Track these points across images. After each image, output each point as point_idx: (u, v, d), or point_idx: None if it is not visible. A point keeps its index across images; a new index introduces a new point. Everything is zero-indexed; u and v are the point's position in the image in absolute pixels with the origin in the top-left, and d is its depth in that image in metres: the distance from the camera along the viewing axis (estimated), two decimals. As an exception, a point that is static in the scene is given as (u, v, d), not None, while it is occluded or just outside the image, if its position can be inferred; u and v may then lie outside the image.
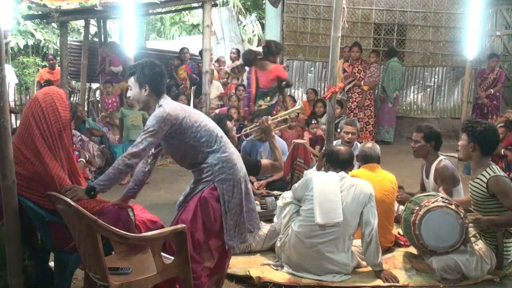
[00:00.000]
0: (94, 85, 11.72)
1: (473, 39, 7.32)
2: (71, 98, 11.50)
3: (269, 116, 4.67)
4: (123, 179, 3.40)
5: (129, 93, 3.35)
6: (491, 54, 10.02)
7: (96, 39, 12.16)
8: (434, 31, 10.86)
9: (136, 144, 3.08)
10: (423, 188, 4.91)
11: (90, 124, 7.79)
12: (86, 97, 10.82)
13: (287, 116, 5.36)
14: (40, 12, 8.69)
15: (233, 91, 9.86)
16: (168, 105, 3.19)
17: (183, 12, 19.24)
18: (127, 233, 2.86)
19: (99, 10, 8.05)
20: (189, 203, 3.23)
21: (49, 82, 9.57)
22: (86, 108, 9.97)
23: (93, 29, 12.80)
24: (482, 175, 3.88)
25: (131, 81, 3.28)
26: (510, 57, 11.15)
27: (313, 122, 7.92)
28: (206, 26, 8.49)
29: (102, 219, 2.75)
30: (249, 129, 5.03)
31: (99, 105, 10.30)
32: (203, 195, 3.17)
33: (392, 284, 3.81)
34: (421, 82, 10.97)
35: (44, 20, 10.36)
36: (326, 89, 7.79)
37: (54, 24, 12.32)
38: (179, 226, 2.94)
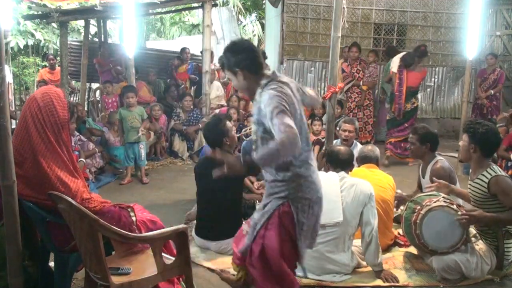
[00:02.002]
0: (94, 85, 11.73)
1: (473, 39, 7.32)
2: (71, 98, 11.51)
3: None
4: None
5: (233, 84, 3.04)
6: (489, 53, 10.02)
7: (96, 39, 12.17)
8: (434, 31, 10.86)
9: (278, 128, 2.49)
10: (420, 188, 4.93)
11: (90, 124, 7.80)
12: (86, 97, 10.82)
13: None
14: (40, 12, 8.68)
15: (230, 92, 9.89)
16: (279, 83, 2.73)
17: (183, 12, 19.23)
18: (128, 233, 2.87)
19: (99, 10, 8.04)
20: (268, 226, 2.80)
21: (44, 82, 9.60)
22: (86, 108, 9.98)
23: (93, 29, 12.80)
24: (483, 175, 3.88)
25: (227, 73, 2.95)
26: (510, 57, 11.15)
27: (317, 122, 7.94)
28: (206, 26, 8.50)
29: (103, 219, 2.76)
30: (249, 129, 5.05)
31: (99, 105, 10.32)
32: (279, 214, 2.78)
33: (392, 284, 3.81)
34: (421, 82, 10.94)
35: (44, 20, 10.35)
36: (326, 89, 7.79)
37: (54, 24, 12.31)
38: (180, 226, 2.94)
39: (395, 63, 8.72)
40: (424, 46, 8.57)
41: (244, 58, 2.79)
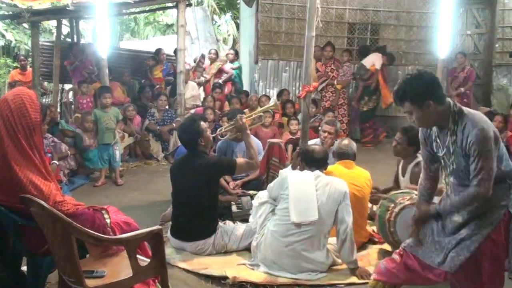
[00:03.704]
0: (67, 86, 11.56)
1: (444, 38, 7.45)
2: (44, 100, 11.33)
3: (244, 114, 4.71)
4: None
5: (410, 119, 2.97)
6: (459, 52, 10.21)
7: (68, 40, 12.00)
8: (407, 30, 10.99)
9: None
10: (397, 183, 5.00)
11: (63, 125, 7.69)
12: (59, 98, 10.66)
13: (261, 114, 5.38)
14: (10, 12, 8.52)
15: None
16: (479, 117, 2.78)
17: (157, 12, 19.12)
18: (102, 235, 2.84)
19: (71, 10, 7.93)
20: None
21: (15, 84, 9.44)
22: (58, 110, 9.83)
23: (65, 29, 12.63)
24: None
25: (407, 106, 2.87)
26: (481, 56, 11.35)
27: (293, 121, 8.00)
28: (180, 26, 8.48)
29: (76, 221, 2.73)
30: (224, 129, 5.06)
31: (72, 106, 10.17)
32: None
33: (367, 280, 3.84)
34: (394, 80, 11.07)
35: (15, 21, 10.16)
36: (301, 88, 7.84)
37: (25, 25, 12.08)
38: (155, 227, 2.93)
39: (377, 61, 9.01)
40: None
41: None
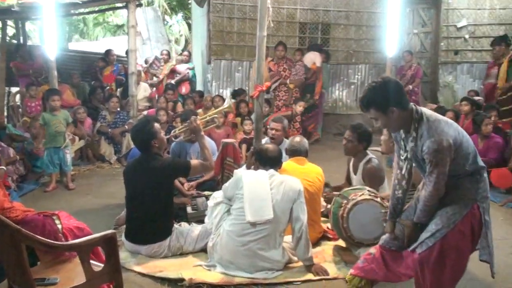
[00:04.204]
0: (14, 89, 11.21)
1: (392, 37, 7.61)
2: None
3: (198, 116, 4.69)
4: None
5: (376, 124, 3.14)
6: (406, 50, 10.49)
7: (14, 41, 11.64)
8: (356, 29, 11.21)
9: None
10: (349, 181, 5.09)
11: (10, 130, 7.46)
12: (6, 102, 10.32)
13: (215, 116, 5.38)
14: (-48, 13, 8.22)
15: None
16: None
17: (106, 12, 18.80)
18: (54, 242, 2.78)
19: (16, 11, 7.70)
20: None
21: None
22: (5, 114, 9.53)
23: (11, 31, 12.24)
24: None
25: (372, 113, 3.06)
26: (427, 54, 11.70)
27: (247, 121, 8.04)
28: (131, 27, 8.37)
29: (26, 228, 2.66)
30: (178, 130, 5.03)
31: (20, 109, 9.87)
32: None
33: (323, 277, 3.90)
34: (345, 79, 11.29)
35: (-43, 22, 9.80)
36: (253, 88, 7.88)
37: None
38: (108, 231, 2.88)
39: (317, 59, 9.25)
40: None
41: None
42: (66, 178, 6.80)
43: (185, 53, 11.51)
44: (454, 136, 2.94)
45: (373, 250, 3.32)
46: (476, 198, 3.01)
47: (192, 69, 10.96)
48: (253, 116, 6.97)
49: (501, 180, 6.23)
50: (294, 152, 4.73)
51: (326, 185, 4.96)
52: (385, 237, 3.33)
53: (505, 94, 8.02)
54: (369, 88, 3.03)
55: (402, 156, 3.18)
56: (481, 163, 3.08)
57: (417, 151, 3.03)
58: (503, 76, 8.12)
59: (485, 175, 3.10)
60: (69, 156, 6.86)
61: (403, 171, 3.24)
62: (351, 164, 5.07)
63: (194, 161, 4.45)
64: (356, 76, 11.30)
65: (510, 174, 6.21)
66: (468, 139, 3.06)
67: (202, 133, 4.63)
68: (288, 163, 4.61)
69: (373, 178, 4.65)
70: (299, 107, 9.25)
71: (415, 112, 3.00)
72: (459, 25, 11.38)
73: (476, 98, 9.14)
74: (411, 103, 3.05)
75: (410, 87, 9.97)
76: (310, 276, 3.92)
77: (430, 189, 2.97)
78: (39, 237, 2.66)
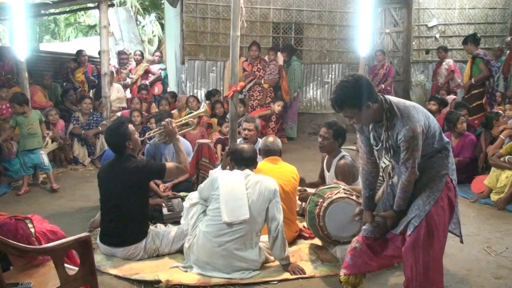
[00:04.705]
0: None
1: (365, 36, 7.69)
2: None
3: (173, 119, 4.67)
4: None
5: (351, 121, 3.19)
6: (378, 49, 10.63)
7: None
8: (329, 29, 11.30)
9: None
10: (322, 178, 5.13)
11: (-21, 133, 7.31)
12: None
13: (191, 119, 5.36)
14: None
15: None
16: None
17: (78, 12, 18.56)
18: (26, 246, 2.74)
19: (-16, 11, 7.57)
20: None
21: None
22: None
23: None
24: (383, 162, 4.12)
25: (346, 111, 3.11)
26: (399, 53, 11.86)
27: (226, 123, 8.03)
28: (103, 27, 8.28)
29: (-3, 232, 2.61)
30: (153, 132, 4.99)
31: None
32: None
33: (299, 276, 3.92)
34: (319, 78, 11.37)
35: None
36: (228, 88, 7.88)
37: None
38: (82, 234, 2.85)
39: (279, 58, 9.78)
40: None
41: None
42: (49, 179, 6.73)
43: (157, 53, 11.47)
44: (424, 120, 3.09)
45: (356, 244, 3.35)
46: (448, 172, 3.17)
47: (164, 69, 10.91)
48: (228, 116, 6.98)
49: (477, 185, 6.38)
50: (267, 152, 4.75)
51: (301, 180, 4.99)
52: (366, 227, 3.40)
53: (468, 93, 8.23)
54: (341, 88, 3.06)
55: (376, 146, 3.26)
56: (446, 138, 3.25)
57: (391, 139, 3.13)
58: (467, 72, 8.38)
59: (450, 148, 3.27)
60: (45, 156, 6.75)
61: (373, 159, 3.37)
62: (325, 161, 5.11)
63: (170, 164, 4.42)
64: (330, 75, 11.39)
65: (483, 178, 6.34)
66: (433, 118, 3.22)
67: (178, 136, 4.60)
68: (263, 163, 4.63)
69: (346, 175, 4.69)
70: (277, 107, 9.27)
71: (384, 102, 3.09)
72: (430, 24, 11.58)
73: (453, 96, 9.34)
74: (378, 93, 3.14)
75: (383, 86, 10.10)
76: (287, 275, 3.93)
77: (408, 174, 3.09)
78: (11, 241, 2.62)
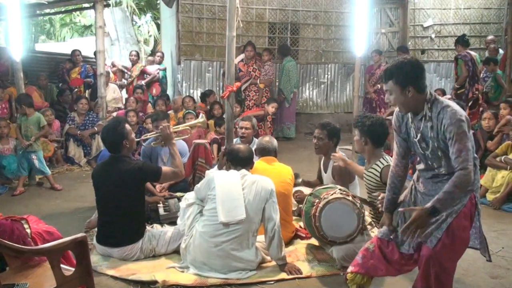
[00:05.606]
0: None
1: (360, 36, 7.69)
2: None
3: (170, 124, 4.67)
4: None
5: (388, 98, 3.10)
6: (374, 50, 10.64)
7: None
8: (325, 29, 11.31)
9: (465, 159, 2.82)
10: (320, 179, 5.13)
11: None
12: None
13: (188, 128, 5.37)
14: None
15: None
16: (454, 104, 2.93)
17: (73, 13, 18.52)
18: (22, 247, 2.73)
19: (-21, 11, 7.53)
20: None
21: None
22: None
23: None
24: (376, 165, 4.14)
25: (389, 85, 3.02)
26: (395, 53, 11.85)
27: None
28: (98, 27, 8.26)
29: (-7, 233, 2.61)
30: (150, 135, 4.98)
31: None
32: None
33: (296, 276, 3.92)
34: (315, 78, 11.38)
35: None
36: (224, 88, 7.89)
37: None
38: (79, 235, 2.85)
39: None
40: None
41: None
42: (49, 181, 6.76)
43: (159, 54, 11.36)
44: (466, 116, 2.94)
45: (370, 244, 3.31)
46: (473, 189, 3.03)
47: (164, 70, 10.88)
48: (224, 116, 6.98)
49: None
50: (263, 151, 4.75)
51: (296, 176, 4.99)
52: (382, 229, 3.29)
53: (456, 92, 8.47)
54: (397, 62, 3.02)
55: (415, 138, 3.09)
56: (475, 154, 3.06)
57: (434, 129, 2.95)
58: (454, 73, 8.74)
59: (478, 165, 3.11)
60: (36, 161, 6.73)
61: (404, 162, 3.26)
62: (321, 163, 5.12)
63: (166, 168, 4.40)
64: (326, 75, 11.41)
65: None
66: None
67: (174, 141, 4.58)
68: (258, 162, 4.62)
69: (343, 175, 4.69)
70: (271, 108, 9.28)
71: (429, 95, 2.99)
72: (425, 24, 11.61)
73: (447, 97, 9.35)
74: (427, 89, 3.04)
75: (379, 86, 10.10)
76: (283, 275, 3.94)
77: (462, 171, 2.83)
78: (7, 242, 2.61)
